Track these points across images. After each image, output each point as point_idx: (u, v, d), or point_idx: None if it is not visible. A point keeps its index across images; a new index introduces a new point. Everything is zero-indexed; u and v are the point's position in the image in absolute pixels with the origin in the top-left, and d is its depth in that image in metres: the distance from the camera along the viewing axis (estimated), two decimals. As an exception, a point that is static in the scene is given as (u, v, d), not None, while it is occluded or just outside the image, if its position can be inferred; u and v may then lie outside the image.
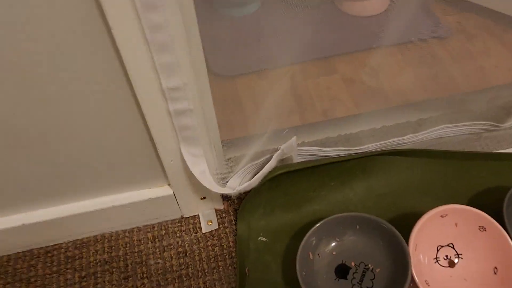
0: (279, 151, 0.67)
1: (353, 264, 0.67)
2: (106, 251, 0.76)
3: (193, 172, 0.64)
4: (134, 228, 0.79)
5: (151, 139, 0.63)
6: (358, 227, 0.68)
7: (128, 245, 0.77)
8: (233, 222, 0.79)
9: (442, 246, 0.68)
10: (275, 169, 0.69)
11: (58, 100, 0.54)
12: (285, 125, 0.73)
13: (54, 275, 0.74)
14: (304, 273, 0.64)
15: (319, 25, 1.13)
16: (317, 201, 0.78)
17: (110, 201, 0.72)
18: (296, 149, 0.70)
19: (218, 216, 0.80)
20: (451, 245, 0.68)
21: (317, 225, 0.67)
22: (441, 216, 0.66)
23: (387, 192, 0.78)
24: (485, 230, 0.66)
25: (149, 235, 0.78)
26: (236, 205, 0.81)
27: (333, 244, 0.69)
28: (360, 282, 0.65)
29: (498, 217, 0.65)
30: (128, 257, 0.75)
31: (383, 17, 1.12)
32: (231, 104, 0.87)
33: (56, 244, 0.77)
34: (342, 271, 0.67)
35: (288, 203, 0.77)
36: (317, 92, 0.98)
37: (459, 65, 0.98)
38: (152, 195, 0.73)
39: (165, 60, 0.49)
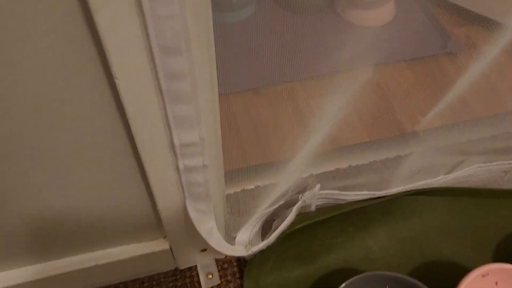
0: (299, 201, 0.57)
1: (383, 331, 0.59)
2: (86, 315, 0.64)
3: (199, 231, 0.53)
4: (119, 284, 0.67)
5: (150, 193, 0.51)
6: (387, 286, 0.59)
7: (113, 306, 0.65)
8: (237, 275, 0.68)
9: (480, 308, 0.60)
10: (293, 222, 0.59)
11: (42, 137, 0.42)
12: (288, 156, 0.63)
13: None
14: None
15: (318, 35, 1.04)
16: (334, 250, 0.68)
17: (93, 258, 0.60)
18: (316, 198, 0.60)
19: (219, 267, 0.69)
20: (490, 306, 0.60)
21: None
22: (483, 276, 0.59)
23: (410, 236, 0.70)
24: (530, 291, 0.59)
25: (139, 292, 0.66)
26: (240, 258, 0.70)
27: (359, 307, 0.60)
28: None
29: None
30: (114, 322, 0.63)
31: (384, 31, 1.03)
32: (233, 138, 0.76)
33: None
34: None
35: (302, 253, 0.67)
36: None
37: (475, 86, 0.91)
38: (144, 250, 0.61)
39: (181, 113, 0.38)
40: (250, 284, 0.65)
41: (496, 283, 0.60)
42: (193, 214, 0.52)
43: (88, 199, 0.50)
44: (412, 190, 0.69)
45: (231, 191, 0.64)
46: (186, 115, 0.38)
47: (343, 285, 0.58)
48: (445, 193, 0.72)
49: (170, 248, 0.62)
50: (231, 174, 0.60)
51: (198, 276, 0.68)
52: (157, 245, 0.62)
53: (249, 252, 0.56)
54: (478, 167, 0.67)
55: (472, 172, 0.68)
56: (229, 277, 0.68)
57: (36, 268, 0.59)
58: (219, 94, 0.41)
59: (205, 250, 0.65)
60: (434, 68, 0.98)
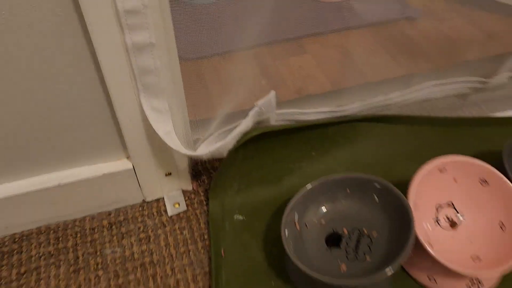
0: (255, 108, 0.59)
1: (346, 231, 0.59)
2: (51, 243, 0.63)
3: (156, 130, 0.55)
4: (86, 217, 0.67)
5: (106, 91, 0.53)
6: (348, 190, 0.60)
7: (78, 234, 0.65)
8: (204, 203, 0.68)
9: (441, 206, 0.61)
10: (252, 130, 0.61)
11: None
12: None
13: (-16, 274, 0.60)
14: (291, 245, 0.55)
15: (287, 7, 1.09)
16: (297, 174, 0.69)
17: (56, 178, 0.61)
18: (275, 109, 0.62)
19: (186, 198, 0.69)
20: (451, 204, 0.61)
21: (302, 191, 0.59)
22: (440, 171, 0.59)
23: (374, 162, 0.71)
24: (488, 184, 0.59)
25: (105, 222, 0.66)
26: (207, 185, 0.71)
27: (321, 212, 0.60)
28: (355, 250, 0.56)
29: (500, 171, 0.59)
30: (78, 248, 0.63)
31: (349, 1, 1.09)
32: (198, 83, 0.79)
33: (-11, 240, 0.64)
34: (333, 240, 0.58)
35: (266, 176, 0.68)
36: (289, 71, 0.91)
37: (432, 43, 0.95)
38: (107, 169, 0.62)
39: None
40: (216, 204, 0.66)
41: (455, 180, 0.61)
42: (148, 112, 0.54)
43: (42, 104, 0.52)
44: (373, 116, 0.71)
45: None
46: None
47: (304, 190, 0.59)
48: (406, 121, 0.74)
49: (133, 168, 0.63)
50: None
51: (165, 206, 0.68)
52: (121, 165, 0.63)
53: (206, 152, 0.57)
54: (432, 85, 0.69)
55: (428, 93, 0.71)
56: (195, 205, 0.68)
57: (-2, 187, 0.60)
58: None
59: (169, 174, 0.66)
60: (395, 30, 1.03)
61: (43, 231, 0.65)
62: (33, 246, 0.63)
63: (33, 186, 0.60)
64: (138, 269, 0.61)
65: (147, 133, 0.58)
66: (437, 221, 0.60)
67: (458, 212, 0.60)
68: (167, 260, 0.61)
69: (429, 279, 0.57)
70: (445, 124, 0.76)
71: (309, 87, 0.86)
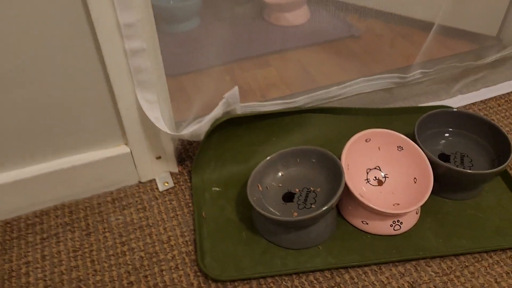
0: (223, 99, 0.78)
1: (297, 190, 0.76)
2: (66, 215, 0.79)
3: (148, 116, 0.72)
4: (93, 196, 0.83)
5: (110, 87, 0.71)
6: (298, 160, 0.78)
7: (88, 208, 0.81)
8: (188, 181, 0.85)
9: (370, 169, 0.79)
10: (222, 116, 0.79)
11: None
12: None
13: (14, 240, 0.75)
14: (255, 201, 0.72)
15: (252, 33, 1.30)
16: (262, 154, 0.87)
17: (70, 161, 0.77)
18: (239, 101, 0.80)
19: (174, 178, 0.86)
20: (378, 168, 0.79)
21: (263, 161, 0.76)
22: (366, 141, 0.78)
23: (321, 144, 0.89)
24: (403, 149, 0.78)
25: (109, 198, 0.82)
26: (190, 168, 0.88)
27: (278, 177, 0.78)
28: (304, 202, 0.74)
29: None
30: (89, 217, 0.79)
31: (305, 26, 1.30)
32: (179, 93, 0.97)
33: (15, 216, 0.79)
34: (288, 197, 0.76)
35: (237, 156, 0.86)
36: (255, 81, 1.10)
37: (371, 55, 1.16)
38: (109, 153, 0.79)
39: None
40: (197, 179, 0.83)
41: (379, 148, 0.79)
42: (142, 102, 0.72)
43: (56, 101, 0.70)
44: (320, 107, 0.90)
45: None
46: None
47: (264, 160, 0.77)
48: (347, 112, 0.93)
49: (131, 153, 0.80)
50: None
51: (157, 185, 0.85)
52: (120, 150, 0.80)
53: (187, 132, 0.75)
54: (362, 81, 0.89)
55: (359, 88, 0.90)
56: (181, 183, 0.85)
57: (15, 172, 0.76)
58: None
59: (159, 157, 0.83)
60: (341, 45, 1.24)
61: (59, 208, 0.81)
62: (51, 218, 0.79)
63: (51, 167, 0.76)
64: (137, 230, 0.77)
65: (141, 121, 0.76)
66: (368, 181, 0.78)
67: (383, 173, 0.79)
68: (160, 222, 0.78)
69: (363, 223, 0.75)
70: (377, 113, 0.95)
71: (272, 93, 1.06)
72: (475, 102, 1.00)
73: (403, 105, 0.98)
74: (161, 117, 0.74)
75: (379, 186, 0.78)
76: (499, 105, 0.99)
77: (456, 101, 1.01)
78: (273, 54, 1.22)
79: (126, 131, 0.77)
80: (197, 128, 0.76)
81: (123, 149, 0.80)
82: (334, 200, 0.68)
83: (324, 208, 0.66)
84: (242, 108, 0.83)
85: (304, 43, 1.23)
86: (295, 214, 0.72)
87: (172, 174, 0.87)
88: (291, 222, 0.70)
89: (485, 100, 1.00)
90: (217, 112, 0.77)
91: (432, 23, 0.88)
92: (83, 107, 0.72)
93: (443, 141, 0.84)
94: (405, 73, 0.91)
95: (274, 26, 1.29)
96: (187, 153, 0.91)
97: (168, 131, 0.74)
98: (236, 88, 0.79)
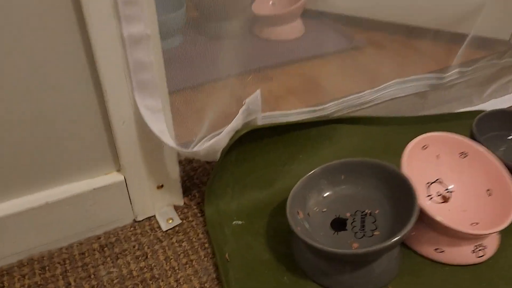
0: (244, 105, 0.61)
1: (348, 215, 0.59)
2: (37, 273, 0.58)
3: (152, 129, 0.54)
4: (73, 243, 0.62)
5: (98, 91, 0.53)
6: (343, 177, 0.62)
7: (67, 261, 0.59)
8: (199, 215, 0.66)
9: (430, 183, 0.64)
10: (242, 128, 0.62)
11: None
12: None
13: (-38, 315, 0.53)
14: (299, 229, 0.54)
15: (243, 48, 1.16)
16: (288, 176, 0.70)
17: (43, 197, 0.57)
18: (260, 108, 0.64)
19: (179, 212, 0.67)
20: (439, 180, 0.64)
21: (302, 180, 0.60)
22: (423, 148, 0.63)
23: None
24: (467, 156, 0.63)
25: (95, 245, 0.62)
26: (199, 199, 0.69)
27: (320, 200, 0.61)
28: (362, 229, 0.57)
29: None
30: (69, 274, 0.58)
31: (300, 41, 1.18)
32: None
33: (-38, 280, 0.57)
34: (339, 224, 0.58)
35: (258, 180, 0.68)
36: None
37: (377, 66, 1.04)
38: (96, 184, 0.59)
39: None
40: (212, 211, 0.64)
41: (438, 156, 0.64)
42: (143, 110, 0.54)
43: (28, 105, 0.51)
44: (349, 117, 0.75)
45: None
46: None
47: (301, 181, 0.60)
48: (378, 122, 0.79)
49: (125, 181, 0.61)
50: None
51: (157, 223, 0.65)
52: (111, 178, 0.60)
53: (203, 147, 0.57)
54: (396, 83, 0.76)
55: (393, 93, 0.77)
56: (190, 218, 0.66)
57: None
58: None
59: (161, 186, 0.64)
60: (347, 56, 1.12)
61: (25, 264, 0.59)
62: (16, 279, 0.57)
63: (15, 207, 0.56)
64: (139, 285, 0.56)
65: (140, 138, 0.57)
66: (430, 197, 0.63)
67: (447, 187, 0.64)
68: (169, 273, 0.58)
69: (436, 251, 0.58)
70: (411, 122, 0.81)
71: (281, 106, 0.90)
72: (511, 106, 0.89)
73: (436, 112, 0.85)
74: (166, 129, 0.56)
75: (445, 203, 0.62)
76: (537, 108, 0.88)
77: (490, 106, 0.89)
78: (275, 68, 1.08)
79: (120, 153, 0.58)
80: (214, 142, 0.58)
81: (114, 177, 0.60)
82: (411, 223, 0.51)
83: (402, 234, 0.50)
84: (263, 119, 0.67)
85: (304, 55, 1.10)
86: (355, 245, 0.55)
87: (176, 208, 0.68)
88: (358, 256, 0.52)
89: (522, 103, 0.89)
90: (237, 122, 0.60)
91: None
92: (60, 121, 0.53)
93: (503, 147, 0.71)
94: (443, 73, 0.78)
95: (267, 41, 1.17)
96: (192, 181, 0.73)
97: (178, 147, 0.56)
98: (258, 92, 0.62)
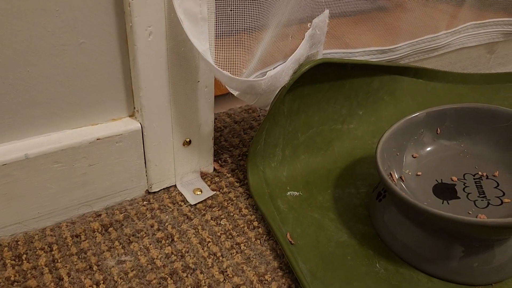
0: (310, 29, 0.44)
1: (455, 179, 0.43)
2: (9, 265, 0.38)
3: (194, 44, 0.36)
4: (61, 222, 0.43)
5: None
6: (439, 130, 0.46)
7: (55, 246, 0.40)
8: (237, 185, 0.49)
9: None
10: (308, 61, 0.45)
11: None
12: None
13: None
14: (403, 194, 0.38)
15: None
16: (347, 137, 0.54)
17: (20, 148, 0.37)
18: (324, 37, 0.47)
19: (209, 182, 0.49)
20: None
21: (393, 129, 0.43)
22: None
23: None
24: None
25: (94, 225, 0.42)
26: (232, 165, 0.51)
27: (412, 162, 0.45)
28: (482, 196, 0.41)
29: None
30: (59, 264, 0.38)
31: None
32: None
33: None
34: (445, 191, 0.42)
35: (313, 140, 0.51)
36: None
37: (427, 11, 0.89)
38: (101, 132, 0.40)
39: None
40: (258, 179, 0.46)
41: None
42: (182, 15, 0.36)
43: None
44: (412, 67, 0.60)
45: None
46: None
47: (386, 135, 0.43)
48: (443, 77, 0.64)
49: (141, 131, 0.42)
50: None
51: (181, 195, 0.47)
52: (123, 125, 0.41)
53: (266, 77, 0.39)
54: (473, 27, 0.61)
55: (466, 39, 0.62)
56: (225, 189, 0.48)
57: None
58: None
59: (189, 143, 0.46)
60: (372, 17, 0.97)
61: (-9, 250, 0.39)
62: (-26, 274, 0.37)
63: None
64: (169, 279, 0.38)
65: (170, 63, 0.39)
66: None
67: None
68: (209, 261, 0.40)
69: None
70: (477, 81, 0.67)
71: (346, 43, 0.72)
72: None
73: (500, 71, 0.71)
74: (209, 49, 0.39)
75: None
76: None
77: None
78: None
79: (138, 86, 0.39)
80: (279, 72, 0.40)
81: (127, 124, 0.42)
82: None
83: None
84: (324, 56, 0.50)
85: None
86: (482, 216, 0.39)
87: (204, 176, 0.49)
88: (498, 228, 0.36)
89: None
90: (304, 49, 0.43)
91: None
92: (51, 25, 0.34)
93: None
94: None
95: None
96: (219, 143, 0.55)
97: (232, 75, 0.38)
98: (326, 12, 0.45)
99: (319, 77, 0.50)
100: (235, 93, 0.42)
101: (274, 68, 0.41)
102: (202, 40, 0.38)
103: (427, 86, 0.63)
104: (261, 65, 0.45)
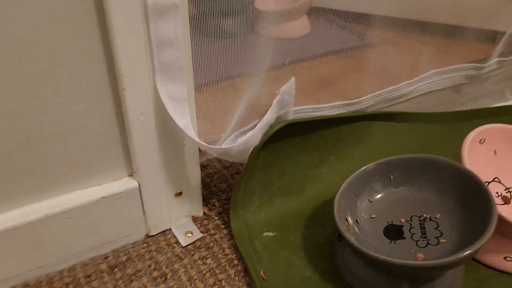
0: (278, 95, 0.53)
1: (403, 220, 0.51)
2: (34, 302, 0.47)
3: (176, 122, 0.45)
4: (76, 265, 0.52)
5: (111, 74, 0.44)
6: (392, 177, 0.53)
7: (71, 286, 0.49)
8: (222, 227, 0.57)
9: (488, 183, 0.56)
10: (276, 122, 0.53)
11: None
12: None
13: None
14: (353, 238, 0.46)
15: (247, 47, 1.08)
16: (319, 181, 0.62)
17: (40, 209, 0.47)
18: (293, 99, 0.55)
19: (199, 225, 0.57)
20: (497, 179, 0.56)
21: (348, 181, 0.51)
22: (480, 142, 0.56)
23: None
24: (526, 151, 0.56)
25: (103, 266, 0.52)
26: (219, 208, 0.60)
27: (368, 205, 0.52)
28: (423, 236, 0.49)
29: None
30: (73, 301, 0.48)
31: (306, 39, 1.11)
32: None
33: None
34: (394, 232, 0.50)
35: (288, 186, 0.60)
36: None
37: (389, 63, 0.97)
38: (107, 191, 0.50)
39: None
40: (238, 222, 0.55)
41: (495, 152, 0.57)
42: (166, 99, 0.45)
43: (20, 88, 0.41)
44: (381, 112, 0.68)
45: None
46: None
47: (343, 184, 0.51)
48: (411, 118, 0.72)
49: (139, 189, 0.51)
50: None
51: (175, 238, 0.55)
52: (123, 184, 0.51)
53: (236, 144, 0.48)
54: (434, 74, 0.69)
55: (429, 85, 0.70)
56: (212, 231, 0.56)
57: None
58: None
59: (180, 194, 0.55)
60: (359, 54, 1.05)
61: (18, 291, 0.49)
62: (7, 310, 0.47)
63: (7, 222, 0.45)
64: (161, 313, 0.46)
65: (159, 134, 0.48)
66: (489, 198, 0.55)
67: (507, 187, 0.56)
68: (195, 296, 0.48)
69: (506, 260, 0.50)
70: (445, 119, 0.74)
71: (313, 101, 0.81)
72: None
73: (469, 108, 0.78)
74: (190, 123, 0.48)
75: (506, 205, 0.55)
76: None
77: (523, 102, 0.83)
78: (283, 67, 1.00)
79: (134, 153, 0.48)
80: (248, 138, 0.49)
81: (126, 183, 0.51)
82: (490, 229, 0.43)
83: (483, 240, 0.42)
84: (294, 114, 0.58)
85: (312, 53, 1.03)
86: (420, 255, 0.47)
87: (194, 219, 0.58)
88: (429, 268, 0.43)
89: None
90: (272, 114, 0.52)
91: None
92: (63, 112, 0.44)
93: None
94: (482, 63, 0.72)
95: (272, 39, 1.09)
96: (209, 189, 0.63)
97: (206, 145, 0.47)
98: (293, 80, 0.54)
99: (290, 132, 0.58)
100: (214, 155, 0.51)
101: (246, 132, 0.50)
102: (183, 116, 0.47)
103: (396, 128, 0.70)
104: (237, 127, 0.54)
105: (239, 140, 0.49)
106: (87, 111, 0.45)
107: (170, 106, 0.45)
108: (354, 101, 0.63)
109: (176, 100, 0.46)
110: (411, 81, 0.67)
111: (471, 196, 0.48)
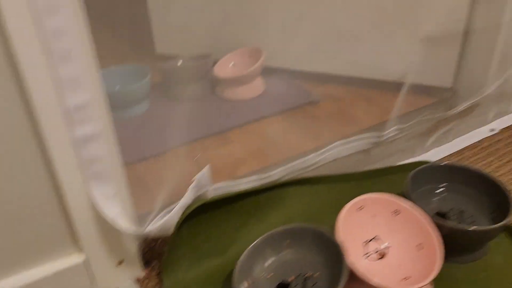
0: (194, 182, 0.67)
1: (293, 278, 0.65)
2: None
3: (106, 215, 0.60)
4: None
5: (56, 187, 0.59)
6: (287, 242, 0.67)
7: None
8: (160, 285, 0.71)
9: (368, 241, 0.70)
10: (193, 203, 0.68)
11: None
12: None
13: None
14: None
15: (206, 111, 1.23)
16: (240, 243, 0.75)
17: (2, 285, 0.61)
18: (211, 182, 0.70)
19: (140, 284, 0.71)
20: (376, 238, 0.70)
21: (247, 250, 0.65)
22: (358, 209, 0.69)
23: (304, 219, 0.79)
24: (399, 213, 0.70)
25: (60, 324, 0.66)
26: (158, 269, 0.74)
27: (266, 266, 0.66)
28: (304, 292, 0.62)
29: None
30: None
31: (260, 98, 1.27)
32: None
33: None
34: (283, 288, 0.64)
35: (213, 248, 0.74)
36: (220, 160, 1.01)
37: (333, 120, 1.12)
38: (58, 266, 0.64)
39: (68, 72, 0.50)
40: (170, 283, 0.69)
41: (374, 216, 0.71)
42: (98, 198, 0.60)
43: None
44: (296, 179, 0.82)
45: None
46: (72, 74, 0.50)
47: (245, 252, 0.65)
48: (325, 180, 0.86)
49: (87, 262, 0.65)
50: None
51: (120, 298, 0.70)
52: (72, 260, 0.65)
53: (153, 228, 0.62)
54: (339, 144, 0.83)
55: (336, 153, 0.84)
56: (151, 290, 0.71)
57: None
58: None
59: (121, 262, 0.69)
60: (302, 112, 1.20)
61: None
62: None
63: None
64: None
65: (99, 219, 0.63)
66: (368, 255, 0.68)
67: (383, 244, 0.70)
68: None
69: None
70: (357, 178, 0.88)
71: (240, 170, 0.96)
72: (452, 153, 0.97)
73: (381, 166, 0.92)
74: (120, 211, 0.62)
75: (382, 260, 0.68)
76: (475, 154, 0.96)
77: (433, 155, 0.97)
78: (233, 129, 1.15)
79: (80, 234, 0.63)
80: (165, 221, 0.64)
81: (76, 258, 0.65)
82: (340, 286, 0.57)
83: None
84: (214, 190, 0.73)
85: (263, 114, 1.18)
86: (297, 310, 0.60)
87: (138, 280, 0.72)
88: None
89: (460, 150, 0.97)
90: (187, 199, 0.66)
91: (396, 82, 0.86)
92: (14, 207, 0.58)
93: (436, 198, 0.78)
94: (381, 131, 0.86)
95: (229, 102, 1.24)
96: (153, 252, 0.78)
97: (132, 231, 0.61)
98: (207, 167, 0.69)
99: (210, 206, 0.72)
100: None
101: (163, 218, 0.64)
102: (113, 209, 0.61)
103: (311, 190, 0.84)
104: (160, 208, 0.68)
105: (158, 223, 0.63)
106: (40, 214, 0.60)
107: (101, 202, 0.60)
108: (266, 175, 0.77)
109: (107, 197, 0.61)
110: (318, 152, 0.81)
111: (336, 258, 0.62)
